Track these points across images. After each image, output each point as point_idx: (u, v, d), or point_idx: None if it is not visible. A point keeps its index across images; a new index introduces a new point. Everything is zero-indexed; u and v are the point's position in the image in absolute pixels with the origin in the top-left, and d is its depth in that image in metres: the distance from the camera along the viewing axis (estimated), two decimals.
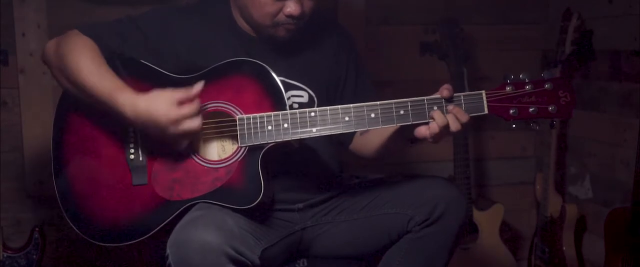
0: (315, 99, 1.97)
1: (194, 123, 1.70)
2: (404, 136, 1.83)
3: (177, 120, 1.68)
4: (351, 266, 2.01)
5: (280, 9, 1.83)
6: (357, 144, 2.07)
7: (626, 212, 2.28)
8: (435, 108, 1.72)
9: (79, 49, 1.81)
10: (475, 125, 2.96)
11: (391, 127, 1.82)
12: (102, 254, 2.63)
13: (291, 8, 1.82)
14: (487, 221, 2.81)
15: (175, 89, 1.70)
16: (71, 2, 2.58)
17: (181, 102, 1.69)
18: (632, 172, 2.26)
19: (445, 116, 1.70)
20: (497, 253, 2.82)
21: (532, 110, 1.71)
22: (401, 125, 1.79)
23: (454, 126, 1.71)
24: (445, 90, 1.72)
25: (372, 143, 2.00)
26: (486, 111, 1.73)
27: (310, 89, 1.97)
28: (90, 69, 1.77)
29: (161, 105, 1.68)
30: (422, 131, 1.73)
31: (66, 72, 1.80)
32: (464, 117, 1.72)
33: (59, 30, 1.91)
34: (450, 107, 1.72)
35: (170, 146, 1.75)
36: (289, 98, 1.92)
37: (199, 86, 1.71)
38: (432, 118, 1.71)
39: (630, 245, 2.26)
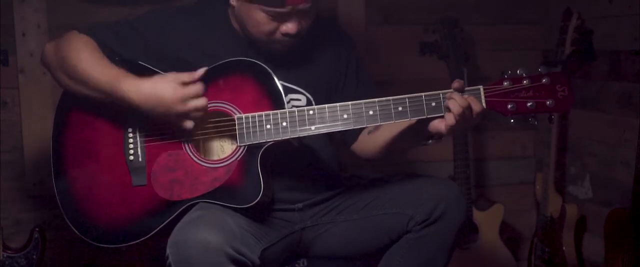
0: (314, 102, 1.96)
1: (200, 102, 1.75)
2: (420, 134, 1.82)
3: (183, 98, 1.73)
4: (351, 266, 2.01)
5: (277, 28, 1.83)
6: (362, 144, 2.05)
7: (626, 212, 2.28)
8: (433, 104, 1.72)
9: (79, 44, 1.83)
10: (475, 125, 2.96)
11: (403, 125, 1.82)
12: (102, 254, 2.62)
13: (288, 27, 1.82)
14: (487, 221, 2.81)
15: (177, 73, 1.76)
16: (71, 2, 2.58)
17: (185, 83, 1.74)
18: (632, 172, 2.26)
19: (460, 105, 1.69)
20: (497, 253, 2.82)
21: (530, 105, 1.71)
22: (416, 125, 1.79)
23: (467, 113, 1.70)
24: (456, 83, 1.72)
25: (381, 141, 1.98)
26: (484, 106, 1.73)
27: (308, 92, 1.97)
28: (91, 61, 1.80)
29: (167, 85, 1.74)
30: (436, 124, 1.73)
31: (67, 68, 1.81)
32: (478, 106, 1.71)
33: (59, 30, 1.92)
34: (465, 96, 1.71)
35: (177, 125, 1.77)
36: (287, 102, 1.92)
37: (201, 70, 1.77)
38: (448, 108, 1.70)
39: (630, 245, 2.26)
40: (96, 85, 1.78)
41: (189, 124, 1.76)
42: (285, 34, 1.83)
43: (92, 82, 1.78)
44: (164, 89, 1.73)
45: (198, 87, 1.75)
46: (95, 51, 1.83)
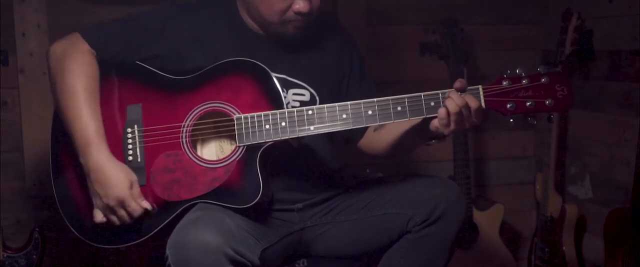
0: (317, 97, 1.97)
1: (131, 214, 1.75)
2: (423, 134, 1.81)
3: (126, 200, 1.74)
4: (351, 266, 2.01)
5: (289, 6, 1.83)
6: (369, 141, 2.05)
7: (626, 212, 2.28)
8: (432, 104, 1.72)
9: (77, 73, 1.82)
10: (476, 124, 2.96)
11: (406, 123, 1.82)
12: (101, 254, 2.63)
13: (300, 5, 1.82)
14: (487, 221, 2.81)
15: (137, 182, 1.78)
16: (71, 2, 2.58)
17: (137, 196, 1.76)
18: (632, 172, 2.26)
19: (457, 104, 1.68)
20: (497, 253, 2.82)
21: (529, 105, 1.71)
22: (420, 123, 1.79)
23: (465, 112, 1.70)
24: (458, 83, 1.72)
25: (386, 139, 1.98)
26: (483, 106, 1.73)
27: (312, 87, 1.97)
28: (82, 105, 1.79)
29: (124, 178, 1.75)
30: (435, 123, 1.72)
31: (60, 93, 1.82)
32: (475, 103, 1.71)
33: (59, 30, 1.92)
34: (462, 95, 1.71)
35: (94, 210, 1.78)
36: (290, 96, 1.92)
37: (148, 205, 1.77)
38: (445, 107, 1.70)
39: (630, 245, 2.26)
40: (73, 128, 1.78)
41: (99, 217, 1.77)
42: (298, 13, 1.83)
43: (72, 123, 1.79)
44: (120, 178, 1.74)
45: (143, 206, 1.76)
46: (90, 89, 1.82)
